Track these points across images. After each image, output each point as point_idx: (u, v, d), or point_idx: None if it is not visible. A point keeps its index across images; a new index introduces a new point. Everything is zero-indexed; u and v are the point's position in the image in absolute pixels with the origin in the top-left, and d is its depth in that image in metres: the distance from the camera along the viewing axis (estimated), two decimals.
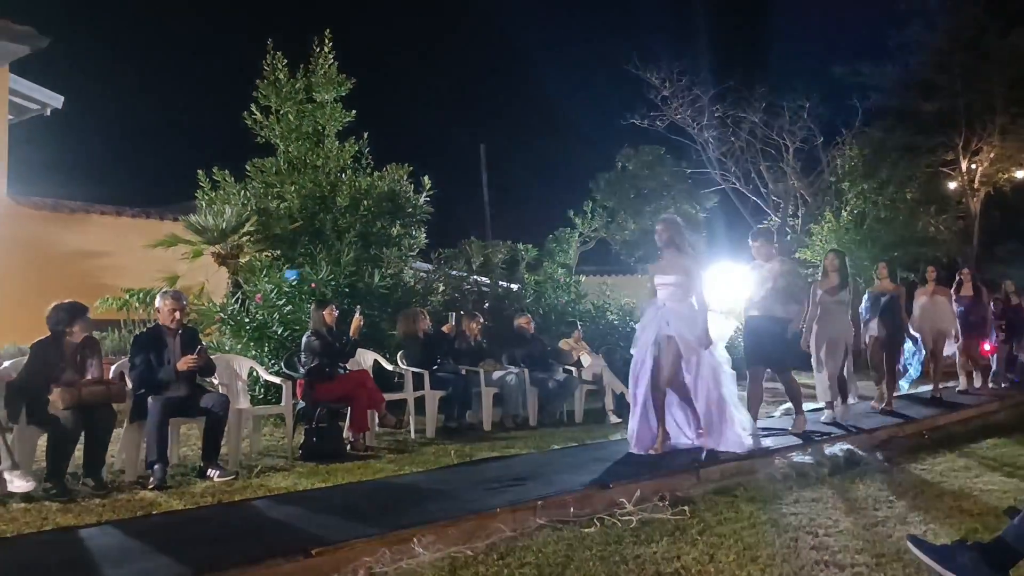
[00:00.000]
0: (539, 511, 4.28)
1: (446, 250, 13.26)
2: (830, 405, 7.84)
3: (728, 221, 20.34)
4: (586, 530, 4.12)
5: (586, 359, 9.27)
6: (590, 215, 20.95)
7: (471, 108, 37.61)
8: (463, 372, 8.33)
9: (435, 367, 8.01)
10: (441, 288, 10.25)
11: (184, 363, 5.67)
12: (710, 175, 19.00)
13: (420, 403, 7.65)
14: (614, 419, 8.52)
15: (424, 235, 11.73)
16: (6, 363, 5.58)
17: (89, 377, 5.37)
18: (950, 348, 10.29)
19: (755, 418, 6.84)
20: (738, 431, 6.06)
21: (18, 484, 4.75)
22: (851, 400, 8.36)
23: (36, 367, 5.31)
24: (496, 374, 8.47)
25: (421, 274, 11.63)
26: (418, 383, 7.70)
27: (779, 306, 6.94)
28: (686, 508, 4.48)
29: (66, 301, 5.53)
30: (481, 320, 9.18)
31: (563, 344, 9.52)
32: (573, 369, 9.13)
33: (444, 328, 8.58)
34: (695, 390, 6.18)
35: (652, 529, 4.14)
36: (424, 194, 11.58)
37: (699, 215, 22.14)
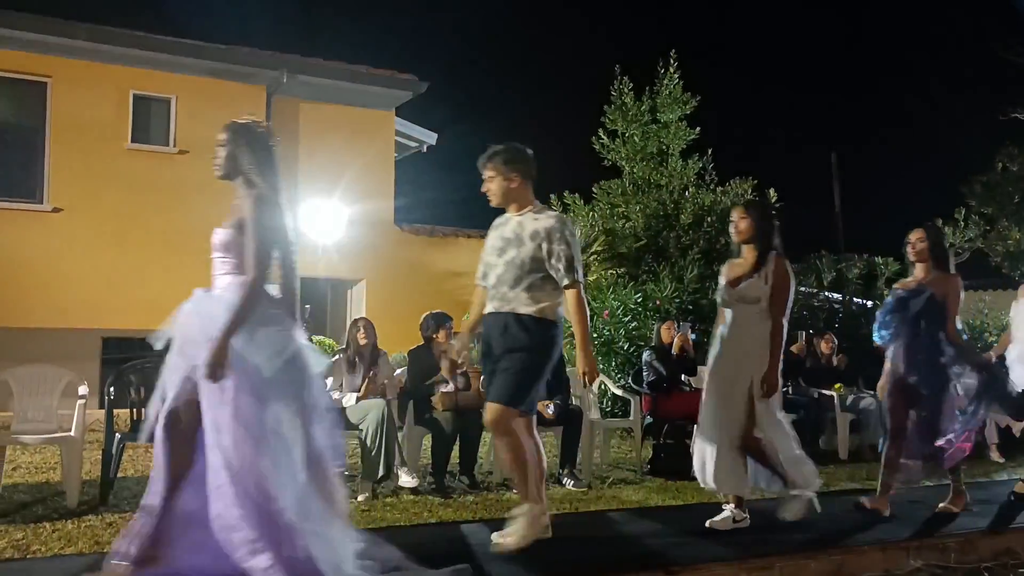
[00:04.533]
0: (914, 552, 3.91)
1: (794, 265, 12.67)
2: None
3: None
4: None
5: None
6: (963, 223, 18.66)
7: (820, 114, 35.68)
8: (815, 395, 7.90)
9: (784, 388, 7.67)
10: None
11: (543, 410, 5.79)
12: None
13: None
14: (996, 456, 7.51)
15: None
16: (398, 371, 6.41)
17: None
18: None
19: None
20: (314, 546, 3.01)
21: (404, 479, 5.46)
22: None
23: (414, 372, 6.08)
24: (852, 398, 7.92)
25: None
26: None
27: (527, 295, 3.90)
28: None
29: (435, 311, 6.24)
30: (834, 340, 8.62)
31: None
32: None
33: (793, 348, 8.20)
34: (211, 466, 3.06)
35: None
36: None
37: None
